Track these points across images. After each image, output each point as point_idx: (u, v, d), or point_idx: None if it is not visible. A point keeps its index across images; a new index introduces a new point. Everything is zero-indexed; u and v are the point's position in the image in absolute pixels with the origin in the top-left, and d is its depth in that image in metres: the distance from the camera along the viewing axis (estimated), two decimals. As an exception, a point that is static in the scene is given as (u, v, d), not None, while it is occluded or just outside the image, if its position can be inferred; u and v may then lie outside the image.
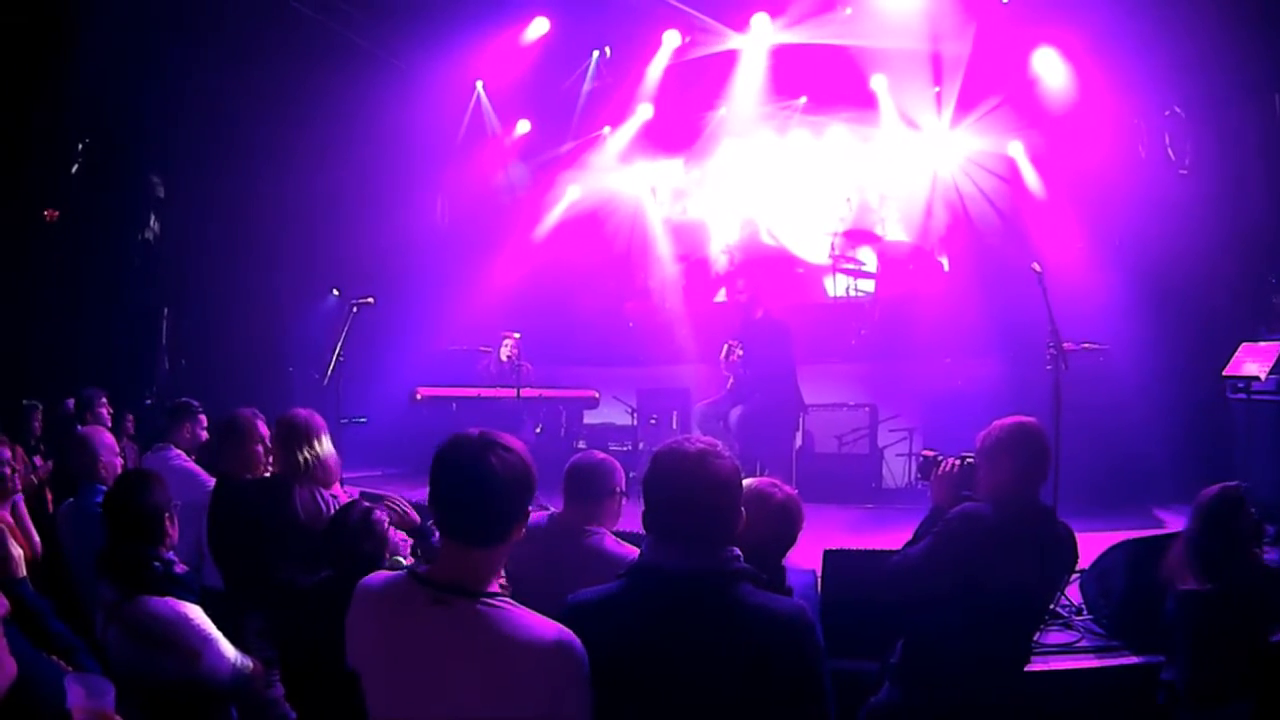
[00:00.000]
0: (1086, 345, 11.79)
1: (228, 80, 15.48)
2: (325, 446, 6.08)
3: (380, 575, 3.50)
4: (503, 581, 3.73)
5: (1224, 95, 12.90)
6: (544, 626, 3.26)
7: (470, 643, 3.26)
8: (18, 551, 4.60)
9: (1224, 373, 10.59)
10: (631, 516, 6.04)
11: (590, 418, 16.07)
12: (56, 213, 14.92)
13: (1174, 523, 10.60)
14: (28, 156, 14.44)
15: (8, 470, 6.56)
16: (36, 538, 6.92)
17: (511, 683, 3.21)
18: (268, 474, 6.40)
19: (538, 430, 14.37)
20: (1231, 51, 12.62)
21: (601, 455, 5.98)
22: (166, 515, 4.94)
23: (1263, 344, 10.36)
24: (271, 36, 15.59)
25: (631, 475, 14.28)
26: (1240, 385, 10.58)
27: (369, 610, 3.45)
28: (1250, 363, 10.25)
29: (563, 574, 4.89)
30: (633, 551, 5.24)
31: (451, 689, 3.26)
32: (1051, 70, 14.97)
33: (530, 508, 3.48)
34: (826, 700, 3.35)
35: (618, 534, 5.83)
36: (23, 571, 4.59)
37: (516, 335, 14.06)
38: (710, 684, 3.27)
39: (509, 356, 13.86)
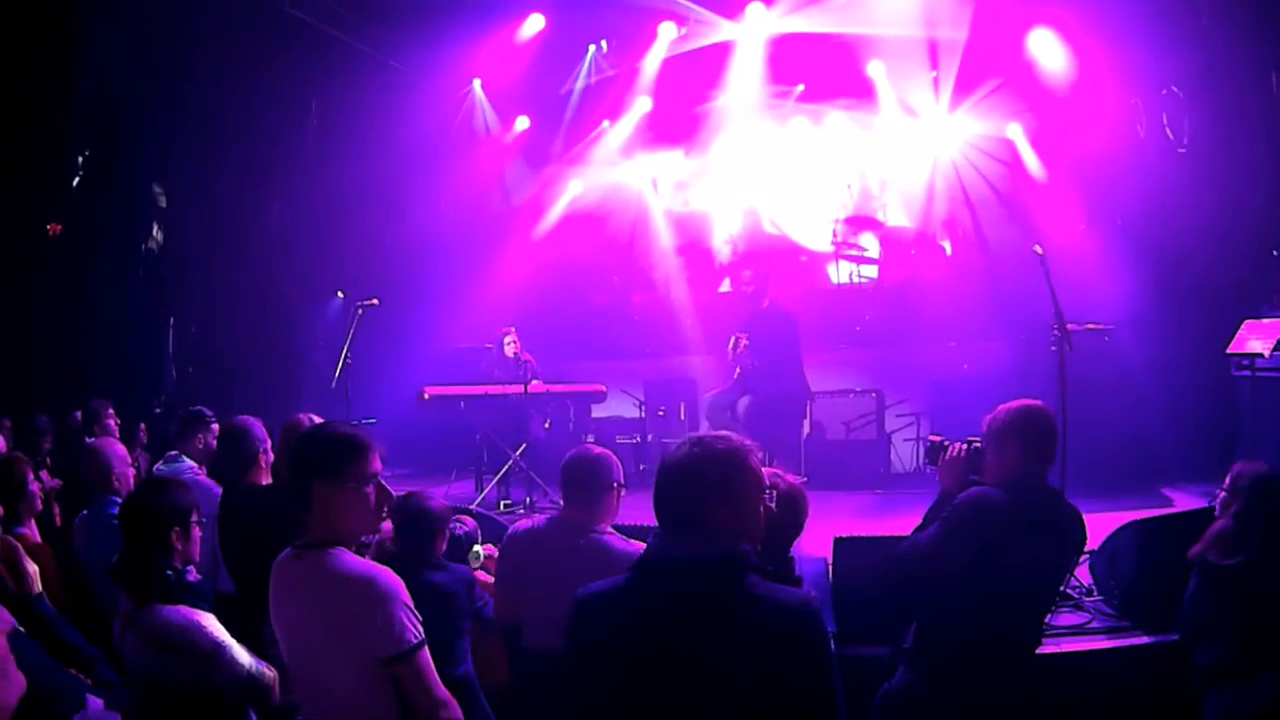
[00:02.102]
0: (1090, 326, 11.80)
1: (226, 88, 15.52)
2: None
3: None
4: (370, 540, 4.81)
5: (1220, 73, 12.87)
6: (353, 564, 4.02)
7: (309, 583, 4.03)
8: (33, 567, 4.63)
9: (1227, 350, 10.60)
10: (642, 508, 6.10)
11: (598, 411, 16.09)
12: (59, 227, 14.94)
13: (1182, 501, 10.67)
14: (29, 171, 14.48)
15: (36, 488, 6.62)
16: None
17: (331, 608, 3.97)
18: (269, 480, 6.44)
19: (546, 425, 14.36)
20: (1227, 29, 12.63)
21: (597, 449, 5.99)
22: (179, 526, 4.95)
23: (1266, 321, 10.34)
24: (269, 44, 15.62)
25: (642, 468, 14.33)
26: (1244, 363, 10.58)
27: (272, 579, 4.22)
28: (1254, 340, 10.24)
29: (572, 574, 4.90)
30: (638, 546, 5.25)
31: (302, 625, 4.10)
32: (1048, 51, 14.92)
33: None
34: (834, 689, 3.34)
35: (624, 529, 5.83)
36: (39, 587, 4.63)
37: (514, 329, 14.05)
38: (716, 674, 3.26)
39: (513, 352, 13.85)
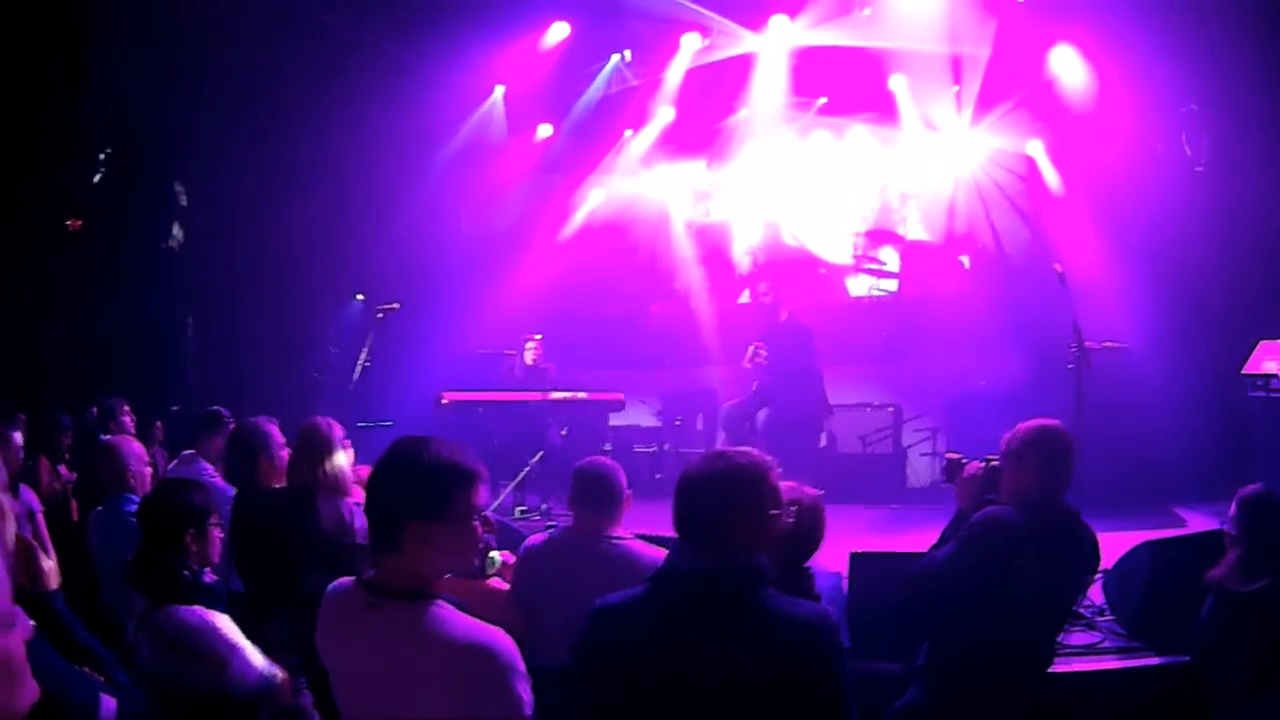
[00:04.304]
0: (1107, 344, 11.79)
1: (249, 87, 15.53)
2: (344, 456, 6.09)
3: (341, 581, 3.61)
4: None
5: (1239, 92, 12.84)
6: (465, 627, 3.33)
7: (397, 643, 3.36)
8: (48, 564, 4.63)
9: (1242, 371, 10.58)
10: (657, 518, 6.08)
11: (616, 420, 16.01)
12: (80, 222, 14.99)
13: (1195, 522, 10.64)
14: (51, 166, 14.52)
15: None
16: (54, 557, 7.00)
17: (430, 681, 3.30)
18: (283, 483, 6.40)
19: (563, 433, 14.40)
20: (1246, 48, 12.59)
21: (607, 460, 6.02)
22: (194, 527, 4.93)
23: (1281, 342, 10.37)
24: (294, 46, 15.63)
25: (658, 477, 14.34)
26: (1259, 383, 10.58)
27: (326, 614, 3.59)
28: (1269, 361, 10.24)
29: (592, 583, 4.87)
30: (660, 553, 5.26)
31: (384, 688, 3.38)
32: (1069, 68, 14.90)
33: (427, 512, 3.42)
34: (848, 704, 3.38)
35: (645, 539, 5.83)
36: (54, 584, 4.63)
37: (538, 337, 14.10)
38: (729, 687, 3.30)
39: (534, 360, 13.91)
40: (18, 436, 8.18)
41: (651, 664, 3.38)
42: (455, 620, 3.36)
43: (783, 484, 4.08)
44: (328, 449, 6.00)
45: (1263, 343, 10.53)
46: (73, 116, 14.59)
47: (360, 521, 5.76)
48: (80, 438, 10.68)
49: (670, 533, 3.62)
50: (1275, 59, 12.50)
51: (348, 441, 6.18)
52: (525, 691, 3.31)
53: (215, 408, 8.49)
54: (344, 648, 3.56)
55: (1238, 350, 10.82)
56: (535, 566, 5.95)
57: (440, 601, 3.38)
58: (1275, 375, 10.16)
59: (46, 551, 5.29)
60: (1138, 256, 13.40)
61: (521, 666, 3.32)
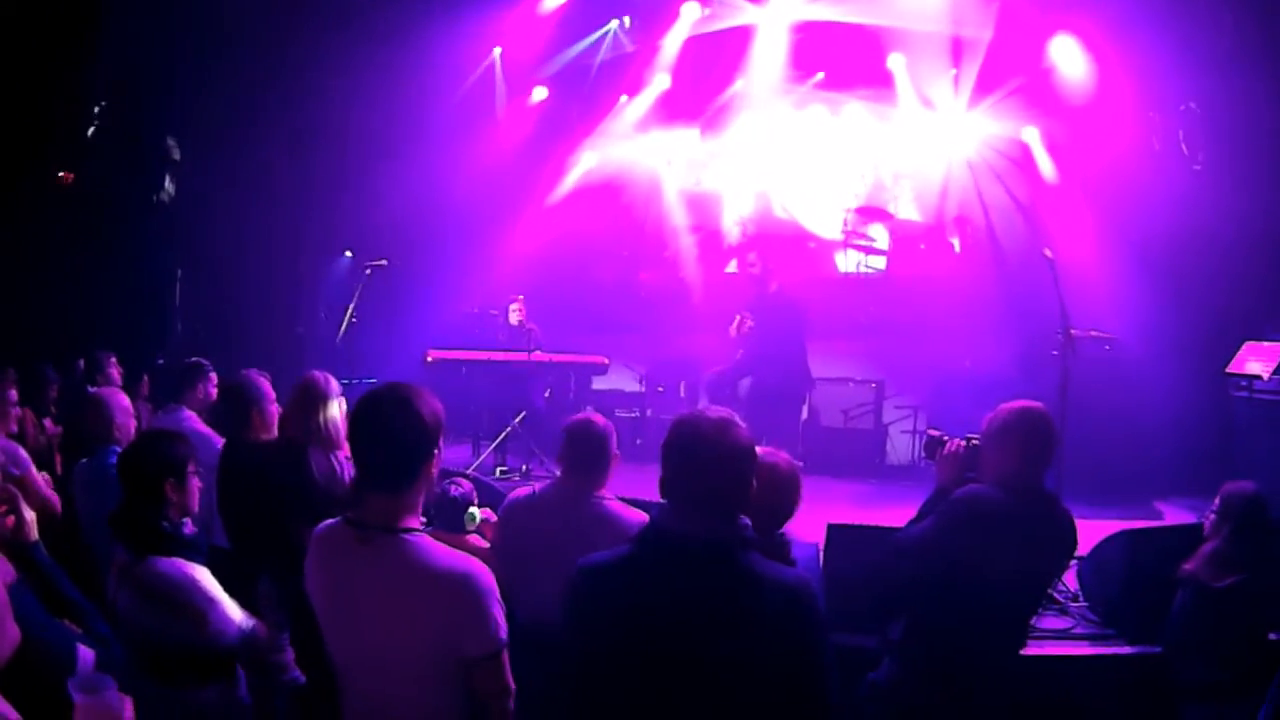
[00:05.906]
0: (1094, 333, 11.80)
1: (244, 43, 15.49)
2: (337, 410, 6.09)
3: (328, 521, 3.82)
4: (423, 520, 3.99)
5: (1239, 93, 12.82)
6: (445, 555, 3.62)
7: (385, 572, 3.61)
8: (31, 515, 4.62)
9: (1226, 370, 10.61)
10: (637, 481, 6.08)
11: (599, 383, 16.11)
12: (72, 175, 14.95)
13: (1171, 515, 10.75)
14: (44, 118, 14.47)
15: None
16: (55, 497, 7.03)
17: (414, 606, 3.57)
18: (273, 435, 6.40)
19: (546, 394, 14.41)
20: (1248, 50, 12.59)
21: (599, 419, 5.97)
22: (173, 477, 4.93)
23: (1267, 344, 10.39)
24: (290, 1, 15.57)
25: (638, 442, 14.37)
26: (1243, 383, 10.62)
27: (315, 553, 3.82)
28: (1253, 361, 10.30)
29: (573, 541, 4.88)
30: (641, 516, 5.26)
31: (372, 615, 3.63)
32: (1070, 58, 14.91)
33: (429, 457, 3.76)
34: (828, 672, 3.44)
35: (622, 499, 5.84)
36: (35, 535, 4.63)
37: (522, 298, 14.09)
38: (715, 650, 3.33)
39: (518, 320, 13.91)
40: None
41: (637, 624, 3.42)
42: (436, 549, 3.64)
43: (761, 449, 4.11)
44: (324, 402, 6.00)
45: (1248, 343, 10.57)
46: (68, 70, 14.53)
47: (350, 474, 5.76)
48: (66, 391, 10.67)
49: (647, 496, 3.65)
50: (1273, 60, 12.51)
51: (343, 398, 6.18)
52: (500, 616, 3.58)
53: (195, 358, 8.49)
54: (333, 583, 3.76)
55: (1224, 349, 10.86)
56: (518, 520, 5.94)
57: (421, 535, 3.68)
58: (1259, 377, 10.20)
59: (43, 498, 5.31)
60: (1130, 249, 13.41)
61: (497, 593, 3.62)
